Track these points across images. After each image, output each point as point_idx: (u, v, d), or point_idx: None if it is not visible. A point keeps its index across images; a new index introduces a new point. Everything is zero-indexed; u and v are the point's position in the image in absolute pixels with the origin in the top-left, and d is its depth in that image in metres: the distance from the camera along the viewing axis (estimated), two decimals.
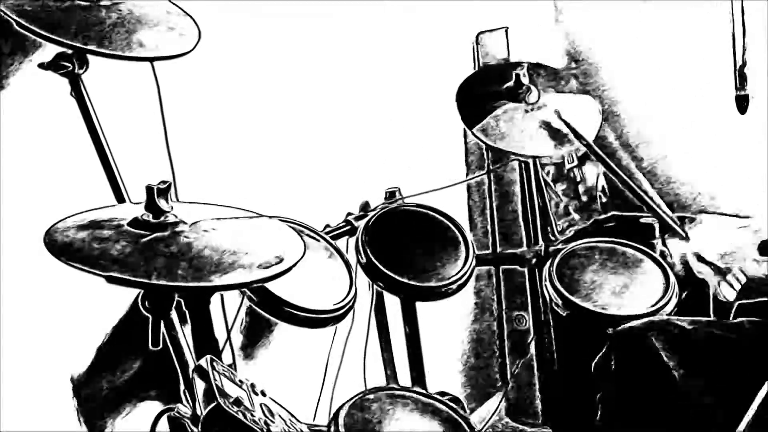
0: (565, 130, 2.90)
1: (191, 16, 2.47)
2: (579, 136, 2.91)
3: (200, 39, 2.42)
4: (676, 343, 2.42)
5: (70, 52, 2.30)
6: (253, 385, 2.06)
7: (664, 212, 2.80)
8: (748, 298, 2.50)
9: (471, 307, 3.60)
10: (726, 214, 2.64)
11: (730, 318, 2.70)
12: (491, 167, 3.48)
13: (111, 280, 1.87)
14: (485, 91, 3.01)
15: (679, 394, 2.36)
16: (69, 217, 2.01)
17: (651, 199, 2.89)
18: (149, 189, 2.00)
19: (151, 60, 2.38)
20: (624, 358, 2.43)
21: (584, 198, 3.61)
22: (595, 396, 2.47)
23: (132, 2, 2.41)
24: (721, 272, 2.52)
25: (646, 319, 2.58)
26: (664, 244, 2.64)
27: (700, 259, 2.54)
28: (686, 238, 2.61)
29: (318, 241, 2.59)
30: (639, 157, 3.59)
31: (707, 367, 2.38)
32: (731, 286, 2.52)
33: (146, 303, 1.99)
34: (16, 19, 2.24)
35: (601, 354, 2.47)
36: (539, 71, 3.06)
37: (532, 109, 2.96)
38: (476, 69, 3.50)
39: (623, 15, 3.50)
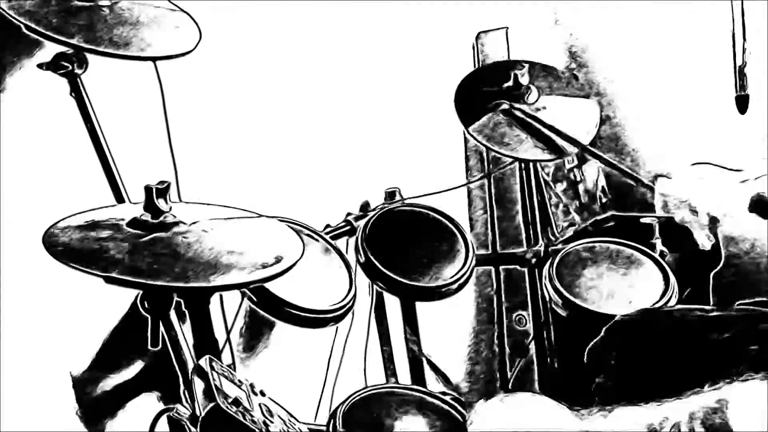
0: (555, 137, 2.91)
1: (191, 16, 2.47)
2: (571, 141, 2.91)
3: (201, 39, 2.42)
4: (674, 331, 2.42)
5: (69, 51, 2.30)
6: (252, 385, 2.06)
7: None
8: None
9: (471, 307, 3.60)
10: (723, 167, 2.59)
11: None
12: (491, 168, 3.48)
13: (109, 280, 1.87)
14: (484, 90, 3.01)
15: (676, 384, 2.36)
16: (68, 217, 2.01)
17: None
18: (148, 189, 2.00)
19: (154, 60, 2.38)
20: (621, 348, 2.42)
21: (584, 198, 3.61)
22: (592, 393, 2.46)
23: (132, 2, 2.41)
24: (712, 220, 2.48)
25: (645, 308, 2.57)
26: (649, 188, 2.59)
27: (686, 205, 2.50)
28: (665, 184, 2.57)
29: (318, 241, 2.59)
30: (638, 157, 3.59)
31: (706, 355, 2.37)
32: (708, 237, 2.49)
33: (145, 303, 2.00)
34: (17, 18, 2.24)
35: (594, 342, 2.45)
36: (539, 71, 3.06)
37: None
38: (476, 68, 3.50)
39: (623, 15, 3.50)
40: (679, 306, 2.54)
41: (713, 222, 2.46)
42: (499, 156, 3.23)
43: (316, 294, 2.46)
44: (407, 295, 2.75)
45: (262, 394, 2.07)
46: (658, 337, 2.42)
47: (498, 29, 3.54)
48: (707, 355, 2.36)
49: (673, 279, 2.73)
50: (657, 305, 2.68)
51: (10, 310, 2.34)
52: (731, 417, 2.06)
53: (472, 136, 2.95)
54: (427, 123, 3.30)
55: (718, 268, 3.23)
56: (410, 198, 2.88)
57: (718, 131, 3.38)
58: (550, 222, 3.37)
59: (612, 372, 2.41)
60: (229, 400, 1.95)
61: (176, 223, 2.01)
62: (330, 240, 2.62)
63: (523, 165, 3.10)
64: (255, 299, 2.36)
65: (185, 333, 2.14)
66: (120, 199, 2.34)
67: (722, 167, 2.49)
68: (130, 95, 2.50)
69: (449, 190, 3.07)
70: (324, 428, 2.37)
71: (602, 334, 2.45)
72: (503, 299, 3.56)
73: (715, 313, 2.46)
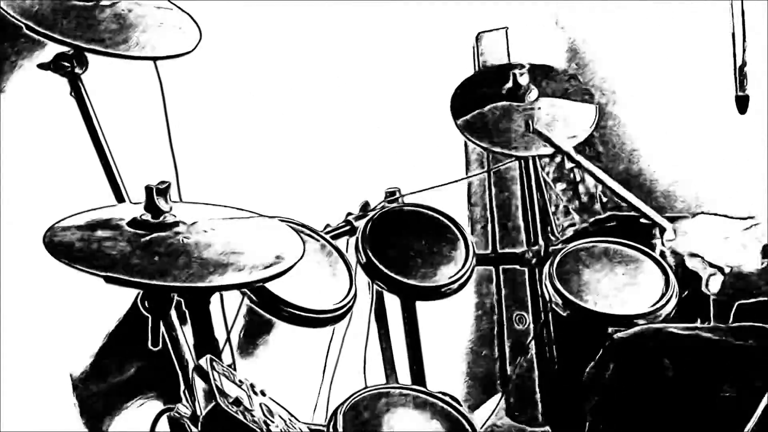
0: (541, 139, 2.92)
1: (191, 16, 2.47)
2: (553, 146, 2.92)
3: (201, 39, 2.42)
4: (672, 350, 2.42)
5: (69, 51, 2.30)
6: (252, 385, 2.06)
7: (649, 213, 2.80)
8: (737, 297, 2.50)
9: (471, 307, 3.60)
10: (727, 216, 2.63)
11: (730, 319, 2.70)
12: (491, 167, 3.48)
13: (109, 280, 1.87)
14: (482, 93, 3.02)
15: (675, 403, 2.36)
16: (68, 217, 2.01)
17: (634, 201, 2.88)
18: (148, 189, 2.00)
19: (154, 60, 2.39)
20: (619, 367, 2.43)
21: (584, 198, 3.61)
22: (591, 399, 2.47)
23: (133, 2, 2.41)
24: (714, 266, 2.52)
25: (641, 327, 2.58)
26: (662, 243, 2.64)
27: (694, 254, 2.54)
28: (671, 234, 2.61)
29: (318, 241, 2.59)
30: (638, 157, 3.59)
31: (704, 373, 2.37)
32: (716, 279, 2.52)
33: (146, 303, 2.00)
34: (18, 18, 2.24)
35: (593, 363, 2.46)
36: (538, 72, 3.06)
37: (524, 110, 2.96)
38: (476, 70, 3.50)
39: (623, 15, 3.50)
40: (676, 325, 2.55)
41: (722, 272, 2.51)
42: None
43: (316, 294, 2.45)
44: (407, 295, 2.75)
45: (263, 393, 2.07)
46: (654, 356, 2.43)
47: (498, 29, 3.55)
48: (702, 375, 2.37)
49: (673, 279, 2.73)
50: (657, 306, 2.68)
51: (10, 310, 2.34)
52: None
53: (462, 133, 2.95)
54: (427, 123, 3.30)
55: None
56: (410, 193, 2.88)
57: (718, 131, 3.38)
58: (550, 222, 3.37)
59: (607, 391, 2.42)
60: (230, 400, 1.95)
61: (176, 223, 2.01)
62: (330, 240, 2.62)
63: (523, 164, 3.10)
64: (255, 299, 2.36)
65: (185, 333, 2.14)
66: (120, 199, 2.34)
67: (726, 216, 2.54)
68: (130, 95, 2.50)
69: (449, 183, 3.07)
70: (323, 428, 2.37)
71: (600, 354, 2.47)
72: (503, 299, 3.56)
73: (709, 332, 2.48)
